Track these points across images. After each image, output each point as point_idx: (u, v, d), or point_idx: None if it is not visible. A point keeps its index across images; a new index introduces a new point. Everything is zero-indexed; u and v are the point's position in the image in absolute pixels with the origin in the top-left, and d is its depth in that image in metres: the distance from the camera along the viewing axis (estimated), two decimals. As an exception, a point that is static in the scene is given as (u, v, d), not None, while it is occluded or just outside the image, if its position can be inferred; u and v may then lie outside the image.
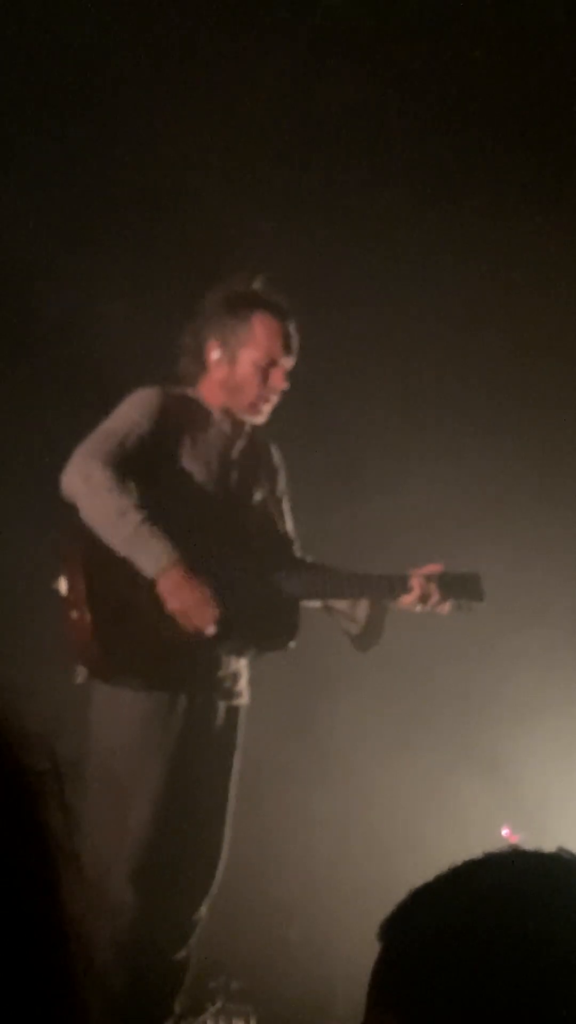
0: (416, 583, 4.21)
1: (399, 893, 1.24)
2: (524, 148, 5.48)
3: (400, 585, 4.22)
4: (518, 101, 5.48)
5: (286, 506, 4.37)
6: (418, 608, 4.24)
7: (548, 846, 1.26)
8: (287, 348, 4.21)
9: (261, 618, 4.12)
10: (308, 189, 5.42)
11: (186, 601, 3.96)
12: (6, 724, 0.81)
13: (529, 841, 1.95)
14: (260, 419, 4.26)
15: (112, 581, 3.98)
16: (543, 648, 5.28)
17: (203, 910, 4.10)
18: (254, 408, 4.22)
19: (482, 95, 5.46)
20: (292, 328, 4.23)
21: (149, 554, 3.94)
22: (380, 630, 4.30)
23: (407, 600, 4.21)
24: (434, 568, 4.26)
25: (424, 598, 4.21)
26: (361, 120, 5.44)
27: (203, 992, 4.50)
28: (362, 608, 4.27)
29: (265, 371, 4.18)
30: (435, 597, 4.22)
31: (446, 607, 4.27)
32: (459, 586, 4.37)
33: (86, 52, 5.09)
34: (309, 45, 5.31)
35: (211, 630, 3.98)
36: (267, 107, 5.30)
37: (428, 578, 4.24)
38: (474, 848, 1.27)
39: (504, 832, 4.94)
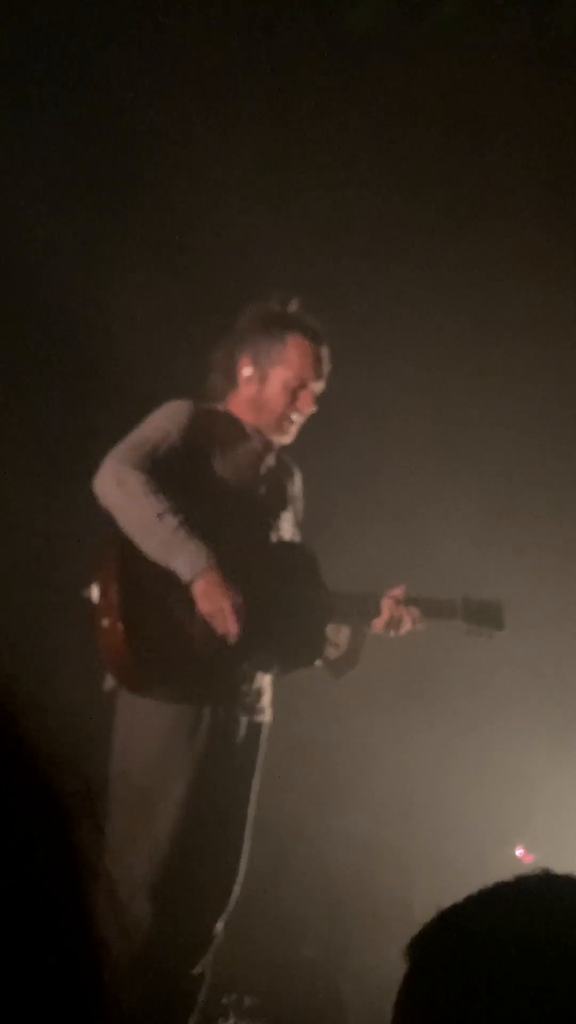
0: (385, 606, 4.17)
1: (413, 911, 1.24)
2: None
3: (373, 607, 4.18)
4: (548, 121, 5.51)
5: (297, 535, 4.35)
6: (391, 633, 4.18)
7: (563, 866, 1.26)
8: (318, 371, 4.22)
9: (289, 634, 4.10)
10: (332, 205, 5.44)
11: (216, 605, 3.92)
12: (38, 745, 0.82)
13: (543, 861, 1.96)
14: (286, 439, 4.27)
15: (144, 590, 3.95)
16: (560, 667, 5.28)
17: (220, 926, 4.08)
18: (279, 427, 4.23)
19: (517, 115, 5.49)
20: (325, 352, 4.24)
21: (187, 557, 3.90)
22: (358, 655, 4.26)
23: (377, 624, 4.18)
24: (400, 591, 4.20)
25: (395, 623, 4.17)
26: (384, 141, 5.47)
27: (216, 1008, 4.49)
28: (344, 633, 4.24)
29: (295, 392, 4.20)
30: (407, 622, 4.17)
31: (421, 627, 4.20)
32: (480, 613, 4.34)
33: (115, 69, 5.15)
34: (337, 67, 5.35)
35: (232, 639, 3.95)
36: (293, 125, 5.35)
37: (397, 600, 4.18)
38: (489, 867, 1.27)
39: (519, 852, 4.94)
